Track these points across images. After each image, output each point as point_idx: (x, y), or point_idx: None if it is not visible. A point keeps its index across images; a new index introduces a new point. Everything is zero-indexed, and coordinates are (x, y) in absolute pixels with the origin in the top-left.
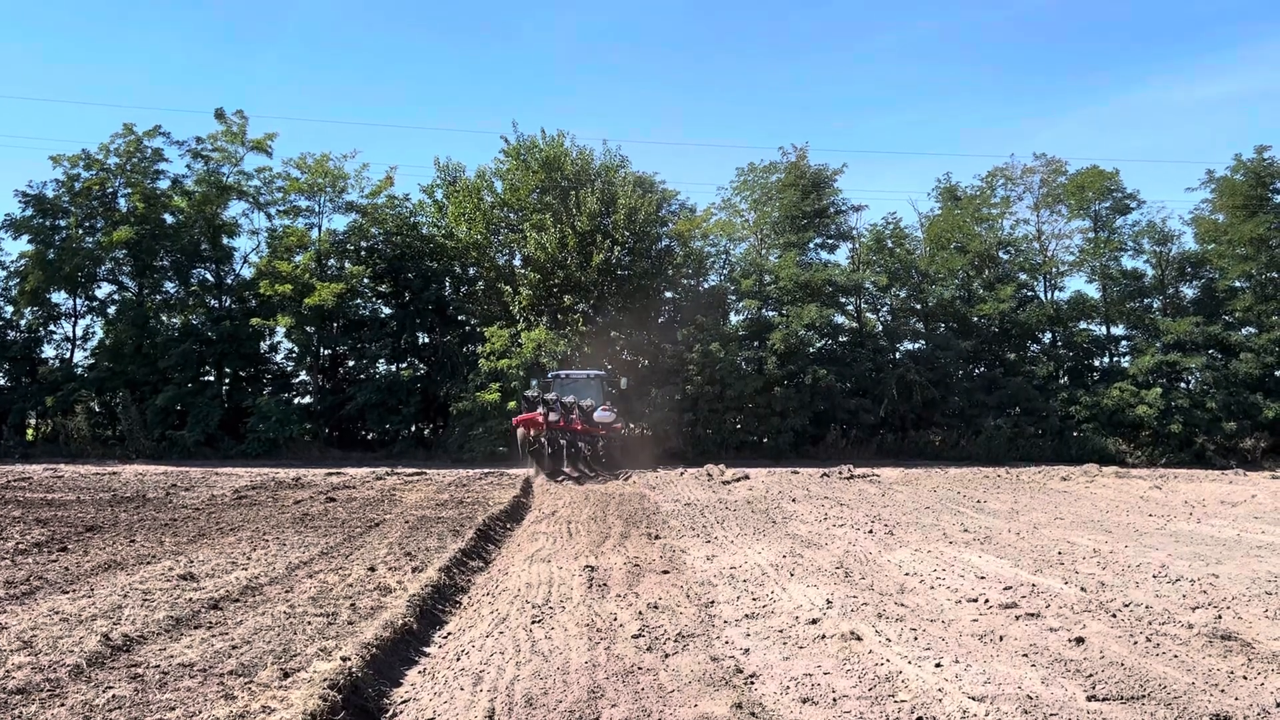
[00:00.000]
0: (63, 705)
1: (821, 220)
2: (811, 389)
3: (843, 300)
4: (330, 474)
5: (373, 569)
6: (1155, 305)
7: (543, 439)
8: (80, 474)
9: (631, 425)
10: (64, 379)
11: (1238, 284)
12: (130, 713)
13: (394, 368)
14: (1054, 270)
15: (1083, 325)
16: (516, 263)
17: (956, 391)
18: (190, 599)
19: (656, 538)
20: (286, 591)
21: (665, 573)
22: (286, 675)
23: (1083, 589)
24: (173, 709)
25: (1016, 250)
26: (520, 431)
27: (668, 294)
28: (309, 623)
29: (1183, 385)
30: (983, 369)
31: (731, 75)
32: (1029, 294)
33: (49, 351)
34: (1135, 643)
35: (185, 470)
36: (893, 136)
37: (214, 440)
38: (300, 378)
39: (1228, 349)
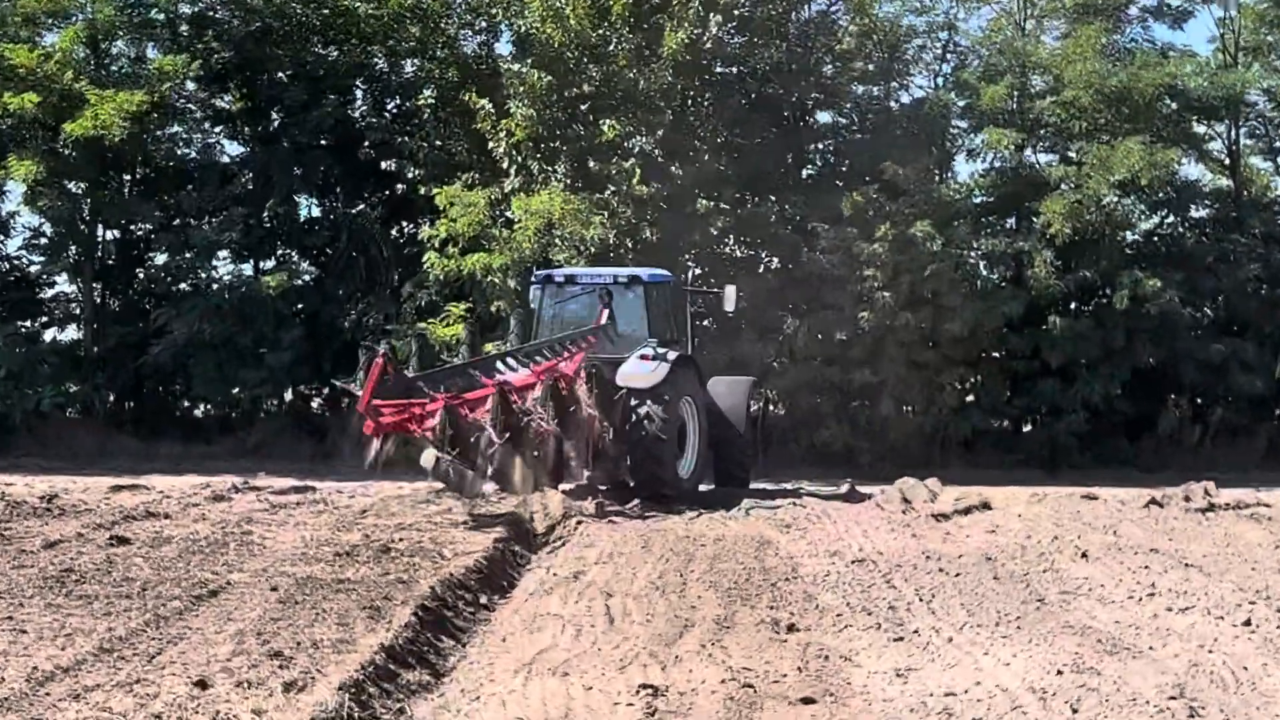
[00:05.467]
0: None
1: None
2: (1126, 319)
3: (1200, 131)
4: (120, 487)
5: (203, 684)
6: None
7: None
8: None
9: (768, 400)
10: None
11: None
12: None
13: (248, 268)
14: None
15: None
16: (503, 51)
17: None
18: None
19: (791, 628)
20: None
21: (807, 703)
22: None
23: None
24: None
25: None
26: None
27: (821, 115)
28: None
29: None
30: None
31: None
32: None
33: None
34: None
35: None
36: None
37: None
38: (57, 288)
39: None
